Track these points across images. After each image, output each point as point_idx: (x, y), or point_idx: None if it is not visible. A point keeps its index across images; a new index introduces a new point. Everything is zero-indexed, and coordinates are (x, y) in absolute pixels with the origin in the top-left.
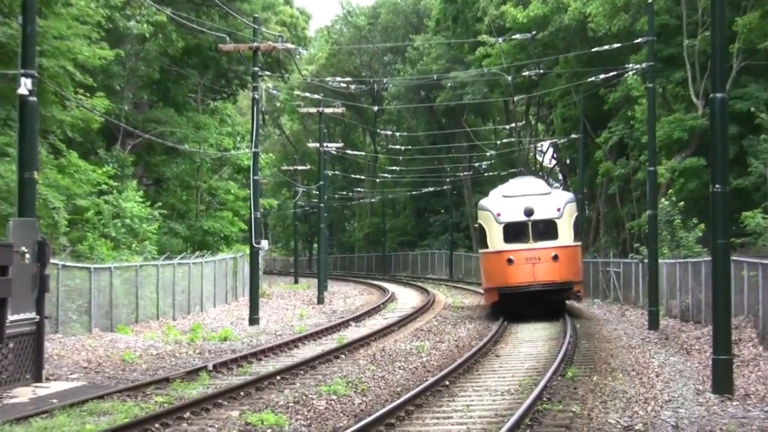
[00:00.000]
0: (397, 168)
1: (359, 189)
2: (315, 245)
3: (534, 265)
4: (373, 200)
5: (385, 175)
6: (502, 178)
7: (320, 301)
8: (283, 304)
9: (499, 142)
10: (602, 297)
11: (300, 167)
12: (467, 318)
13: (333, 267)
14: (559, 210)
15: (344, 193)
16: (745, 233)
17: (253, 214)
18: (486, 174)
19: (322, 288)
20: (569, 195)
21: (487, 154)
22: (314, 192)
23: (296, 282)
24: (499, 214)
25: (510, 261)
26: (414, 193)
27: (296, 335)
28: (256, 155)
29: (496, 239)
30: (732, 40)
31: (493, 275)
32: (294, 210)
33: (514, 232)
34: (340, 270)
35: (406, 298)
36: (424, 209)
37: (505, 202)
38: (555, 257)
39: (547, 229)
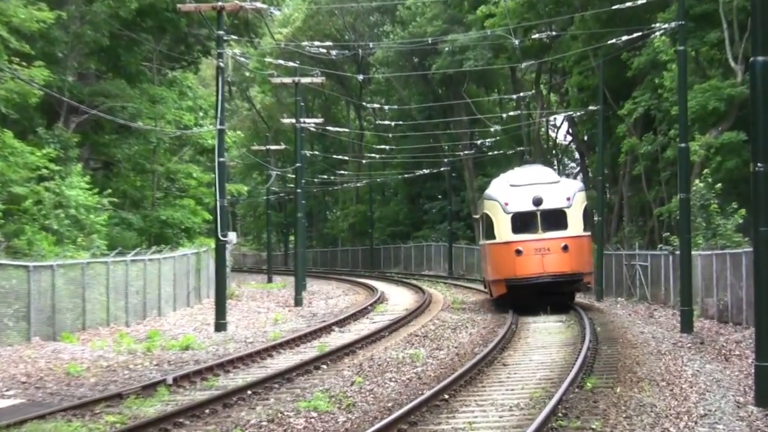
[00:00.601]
0: (387, 147)
1: (342, 172)
2: (292, 238)
3: (543, 255)
4: (359, 185)
5: (373, 155)
6: (508, 158)
7: (298, 302)
8: (254, 307)
9: (504, 116)
10: (626, 295)
11: (273, 147)
12: (469, 321)
13: (313, 263)
14: (568, 199)
15: (325, 176)
16: None
17: (218, 202)
18: (490, 153)
19: (300, 287)
20: (579, 184)
21: (492, 129)
22: (290, 176)
23: (270, 281)
24: (506, 204)
25: (518, 252)
26: (407, 176)
27: (270, 343)
28: (221, 133)
29: (503, 230)
30: None
31: (501, 267)
32: (267, 197)
33: (522, 222)
34: (320, 266)
35: (399, 299)
36: (418, 195)
37: (513, 191)
38: (565, 248)
39: (556, 219)
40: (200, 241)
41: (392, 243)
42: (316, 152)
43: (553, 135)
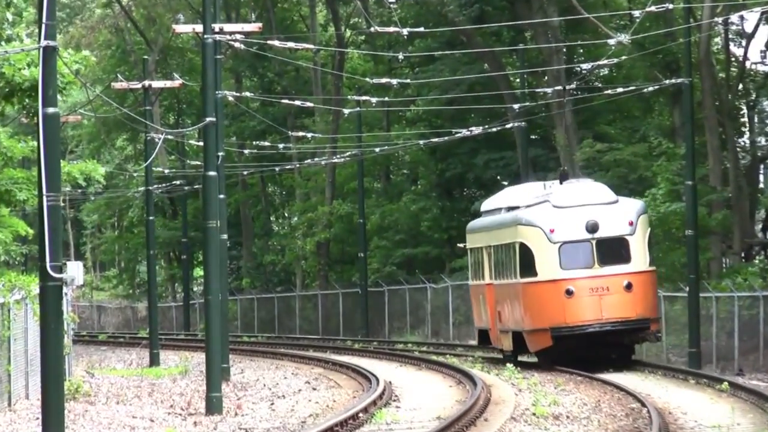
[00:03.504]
0: (395, 82)
1: (304, 135)
2: (199, 272)
3: (601, 297)
4: (337, 160)
5: (367, 99)
6: (647, 102)
7: (213, 407)
8: (122, 416)
9: (637, 15)
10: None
11: (160, 83)
12: None
13: (242, 323)
14: (631, 224)
15: (269, 144)
16: None
17: (45, 201)
18: (607, 91)
19: (215, 374)
20: (640, 203)
21: (611, 43)
22: (196, 143)
23: (154, 361)
24: (552, 231)
25: (569, 292)
26: (436, 141)
27: None
28: (49, 54)
29: (547, 264)
30: None
31: (544, 312)
32: (147, 189)
33: (573, 254)
34: (260, 329)
35: (421, 396)
36: (459, 181)
37: (559, 214)
38: (628, 286)
39: (616, 250)
40: (9, 279)
41: (407, 280)
42: (250, 94)
43: (738, 51)
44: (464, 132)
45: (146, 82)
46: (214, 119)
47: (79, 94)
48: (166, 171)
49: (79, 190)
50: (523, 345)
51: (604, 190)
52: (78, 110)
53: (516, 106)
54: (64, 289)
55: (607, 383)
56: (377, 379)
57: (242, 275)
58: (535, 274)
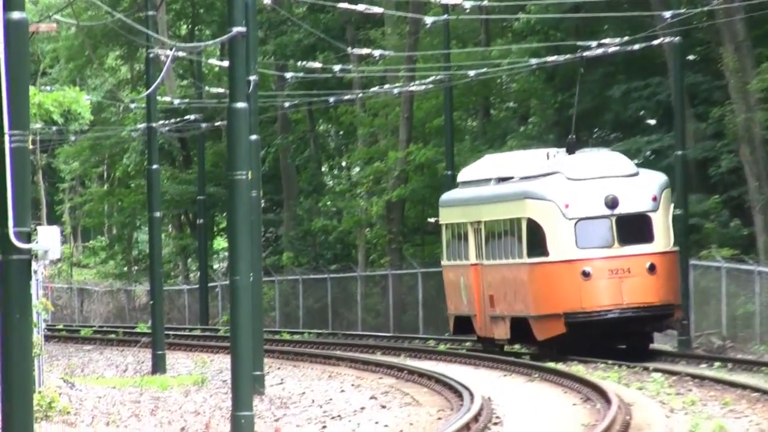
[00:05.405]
0: None
1: (372, 51)
2: (220, 243)
3: (622, 280)
4: (417, 87)
5: (457, 0)
6: None
7: (243, 428)
8: None
9: None
10: None
11: None
12: None
13: (285, 313)
14: (654, 199)
15: (324, 67)
16: None
17: (7, 143)
18: None
19: (243, 383)
20: (663, 177)
21: None
22: (216, 65)
23: (158, 367)
24: (567, 206)
25: (586, 274)
26: (555, 61)
27: None
28: None
29: (561, 242)
30: None
31: (557, 296)
32: (148, 125)
33: (590, 231)
34: (309, 324)
35: (533, 420)
36: (586, 118)
37: (574, 187)
38: (651, 268)
39: (638, 228)
40: None
41: None
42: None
43: None
44: (595, 48)
45: None
46: (243, 29)
47: None
48: (176, 102)
49: (55, 128)
50: (524, 334)
51: (623, 161)
52: (53, 16)
53: (667, 13)
54: (34, 266)
55: None
56: (471, 395)
57: (282, 248)
58: (546, 253)
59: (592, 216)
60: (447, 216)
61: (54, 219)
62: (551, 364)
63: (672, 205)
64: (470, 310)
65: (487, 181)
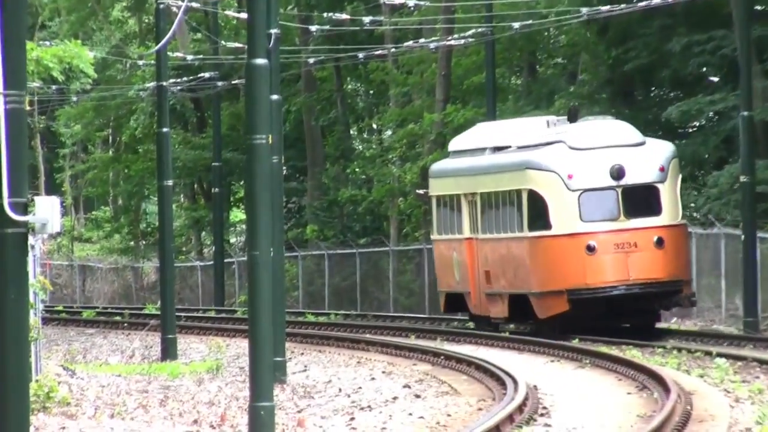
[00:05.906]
0: None
1: (406, 0)
2: (238, 215)
3: (628, 254)
4: (456, 41)
5: None
6: None
7: (259, 423)
8: None
9: None
10: None
11: None
12: None
13: (309, 292)
14: (662, 170)
15: (353, 18)
16: None
17: (2, 104)
18: None
19: (263, 371)
20: (671, 146)
21: None
22: (233, 17)
23: (168, 353)
24: (570, 177)
25: (590, 249)
26: (608, 12)
27: None
28: None
29: (564, 215)
30: None
31: (560, 271)
32: (158, 84)
33: (595, 203)
34: (336, 304)
35: (583, 410)
36: (643, 75)
37: (578, 157)
38: (659, 242)
39: (645, 200)
40: None
41: None
42: None
43: None
44: None
45: None
46: None
47: None
48: (189, 58)
49: (55, 87)
50: (523, 311)
51: (629, 130)
52: None
53: None
54: (31, 240)
55: None
56: (515, 382)
57: (306, 220)
58: (548, 226)
59: (596, 187)
60: (438, 187)
61: (53, 188)
62: (604, 349)
63: (680, 177)
64: (464, 287)
65: (482, 150)
